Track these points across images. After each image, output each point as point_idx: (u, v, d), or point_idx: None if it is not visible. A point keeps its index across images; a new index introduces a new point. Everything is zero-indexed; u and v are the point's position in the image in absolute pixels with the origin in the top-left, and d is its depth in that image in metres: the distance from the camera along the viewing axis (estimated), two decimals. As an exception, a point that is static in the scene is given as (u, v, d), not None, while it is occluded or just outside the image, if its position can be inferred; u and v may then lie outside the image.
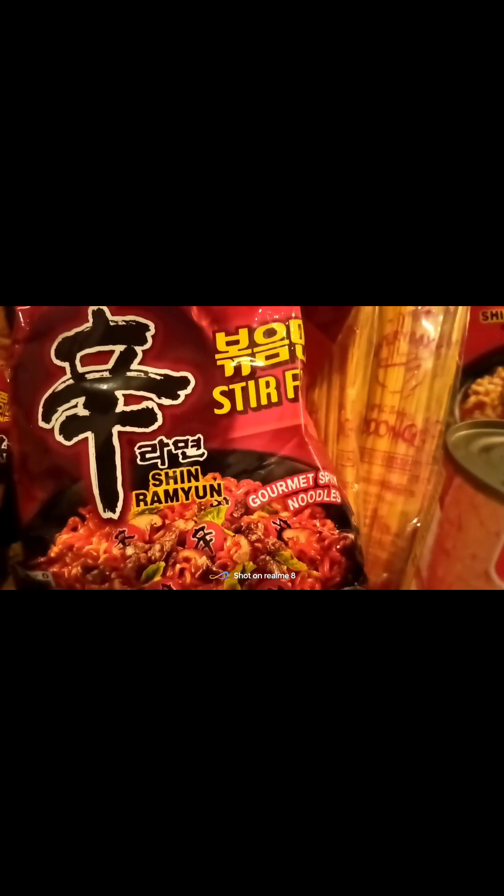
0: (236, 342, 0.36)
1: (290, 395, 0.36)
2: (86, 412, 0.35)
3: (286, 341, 0.36)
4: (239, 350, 0.36)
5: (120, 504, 0.35)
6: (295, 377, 0.36)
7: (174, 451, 0.35)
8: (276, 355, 0.36)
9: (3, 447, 0.37)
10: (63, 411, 0.35)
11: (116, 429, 0.35)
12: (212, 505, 0.35)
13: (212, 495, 0.35)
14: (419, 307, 0.43)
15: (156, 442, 0.35)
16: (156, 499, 0.35)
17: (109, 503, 0.35)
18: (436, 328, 0.43)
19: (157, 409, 0.35)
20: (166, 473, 0.35)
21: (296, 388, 0.36)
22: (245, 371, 0.36)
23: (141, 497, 0.35)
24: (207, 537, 0.34)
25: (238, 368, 0.36)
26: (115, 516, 0.35)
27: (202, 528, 0.34)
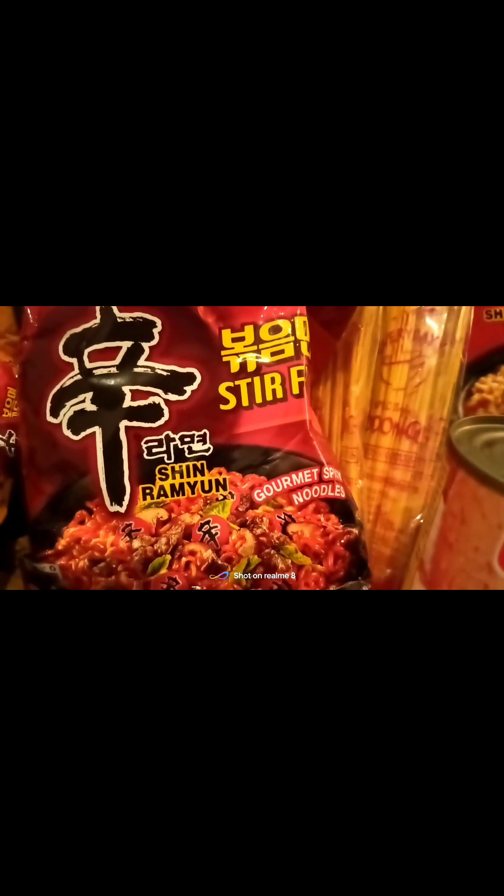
0: (242, 339, 0.36)
1: (295, 391, 0.36)
2: (93, 407, 0.36)
3: (291, 338, 0.36)
4: (244, 346, 0.36)
5: (127, 498, 0.35)
6: (300, 373, 0.36)
7: (180, 446, 0.35)
8: (282, 352, 0.36)
9: (11, 442, 0.38)
10: (71, 406, 0.36)
11: (123, 424, 0.35)
12: (217, 499, 0.35)
13: (217, 490, 0.35)
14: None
15: (162, 437, 0.35)
16: (162, 493, 0.35)
17: (116, 497, 0.35)
18: (440, 326, 0.43)
19: (163, 405, 0.36)
20: (172, 468, 0.35)
21: (300, 384, 0.36)
22: (250, 367, 0.36)
23: (147, 491, 0.35)
24: (213, 531, 0.35)
25: (244, 365, 0.36)
26: (122, 510, 0.35)
27: (208, 522, 0.35)
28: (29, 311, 0.37)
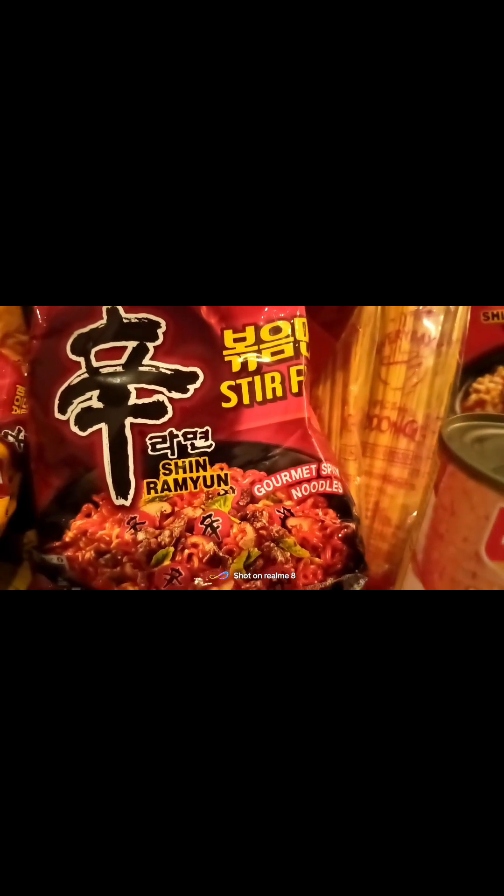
0: (243, 339, 0.37)
1: (295, 389, 0.37)
2: (100, 404, 0.37)
3: (291, 338, 0.37)
4: (246, 347, 0.37)
5: (132, 492, 0.36)
6: (299, 373, 0.37)
7: (183, 443, 0.37)
8: (282, 352, 0.37)
9: (20, 437, 0.39)
10: (78, 403, 0.37)
11: (129, 420, 0.36)
12: (219, 494, 0.36)
13: (219, 484, 0.37)
14: (421, 307, 0.44)
15: (166, 433, 0.37)
16: (166, 487, 0.36)
17: (122, 491, 0.36)
18: (437, 327, 0.44)
19: (167, 403, 0.37)
20: (176, 463, 0.36)
21: (300, 382, 0.37)
22: (251, 367, 0.37)
23: (152, 485, 0.36)
24: (214, 524, 0.36)
25: (245, 364, 0.37)
26: (127, 503, 0.36)
27: (210, 516, 0.36)
28: (38, 311, 0.38)
